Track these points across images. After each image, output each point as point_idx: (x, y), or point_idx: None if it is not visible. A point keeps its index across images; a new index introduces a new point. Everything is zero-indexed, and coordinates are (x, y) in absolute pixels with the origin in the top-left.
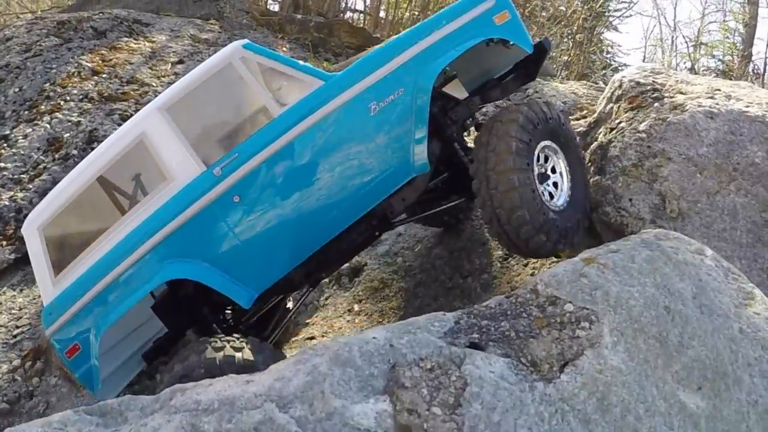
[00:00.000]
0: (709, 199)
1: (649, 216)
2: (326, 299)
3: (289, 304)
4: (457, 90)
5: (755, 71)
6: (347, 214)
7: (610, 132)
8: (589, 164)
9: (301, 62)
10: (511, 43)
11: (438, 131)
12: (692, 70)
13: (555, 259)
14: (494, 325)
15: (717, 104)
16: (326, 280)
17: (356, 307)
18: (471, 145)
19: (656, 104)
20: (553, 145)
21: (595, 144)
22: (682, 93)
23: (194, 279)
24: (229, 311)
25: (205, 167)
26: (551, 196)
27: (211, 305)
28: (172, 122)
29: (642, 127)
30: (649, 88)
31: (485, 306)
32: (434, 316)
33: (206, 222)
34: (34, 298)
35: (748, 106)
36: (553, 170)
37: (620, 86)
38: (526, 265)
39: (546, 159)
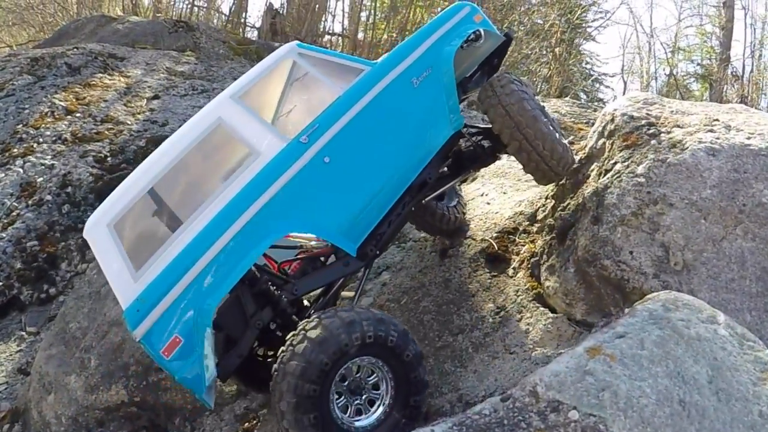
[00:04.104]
0: (715, 246)
1: (651, 270)
2: None
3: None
4: None
5: (734, 73)
6: (413, 165)
7: (605, 174)
8: (585, 212)
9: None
10: (482, 40)
11: None
12: (671, 75)
13: (550, 314)
14: None
15: (717, 138)
16: None
17: None
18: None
19: (653, 141)
20: None
21: (590, 189)
22: (679, 126)
23: (306, 232)
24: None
25: (287, 139)
26: None
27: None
28: (246, 105)
29: (640, 170)
30: (644, 122)
31: (479, 413)
32: None
33: (304, 183)
34: (11, 355)
35: (749, 138)
36: None
37: (612, 120)
38: (519, 321)
39: None
